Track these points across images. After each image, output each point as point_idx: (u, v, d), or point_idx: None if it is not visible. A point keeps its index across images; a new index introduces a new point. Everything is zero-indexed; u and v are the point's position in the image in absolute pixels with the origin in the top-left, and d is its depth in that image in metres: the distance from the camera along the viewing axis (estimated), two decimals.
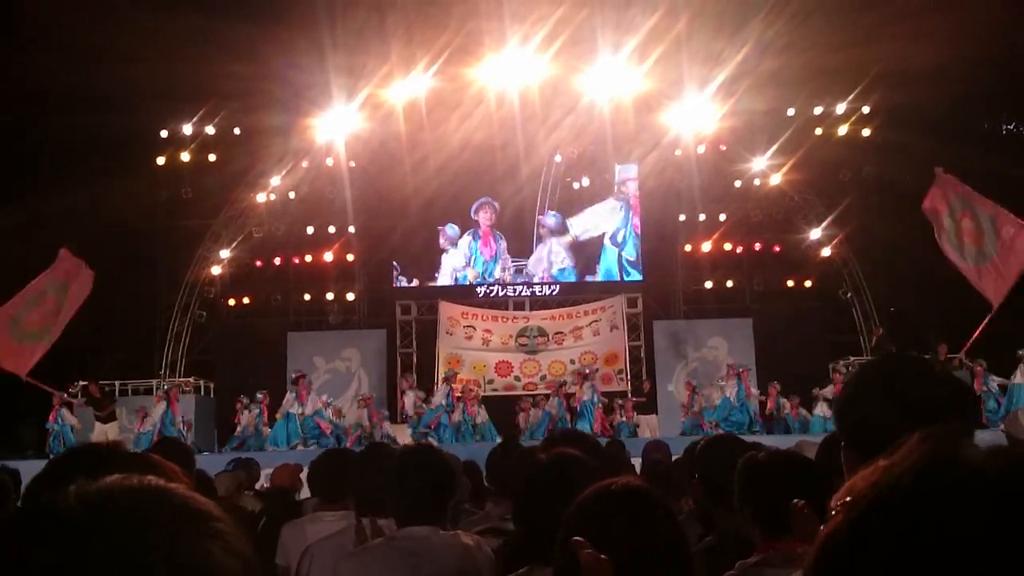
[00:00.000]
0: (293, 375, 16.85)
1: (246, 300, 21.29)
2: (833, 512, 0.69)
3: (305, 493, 5.10)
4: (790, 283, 21.26)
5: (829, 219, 20.58)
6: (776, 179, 20.60)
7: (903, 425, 1.46)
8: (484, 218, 20.61)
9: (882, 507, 0.65)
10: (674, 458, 5.65)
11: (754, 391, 17.00)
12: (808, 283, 21.28)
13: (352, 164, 20.59)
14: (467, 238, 20.65)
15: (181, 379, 19.47)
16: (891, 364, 1.66)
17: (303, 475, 5.26)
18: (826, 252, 20.80)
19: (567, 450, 2.40)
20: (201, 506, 0.74)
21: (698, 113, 19.99)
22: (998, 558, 0.59)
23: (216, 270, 20.93)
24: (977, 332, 14.47)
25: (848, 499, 0.68)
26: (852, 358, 18.99)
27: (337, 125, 19.99)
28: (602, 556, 1.51)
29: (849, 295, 21.05)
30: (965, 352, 15.26)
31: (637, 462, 5.87)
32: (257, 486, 6.85)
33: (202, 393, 19.11)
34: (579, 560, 1.51)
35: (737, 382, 16.81)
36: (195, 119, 20.37)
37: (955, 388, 1.58)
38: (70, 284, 15.21)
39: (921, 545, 0.61)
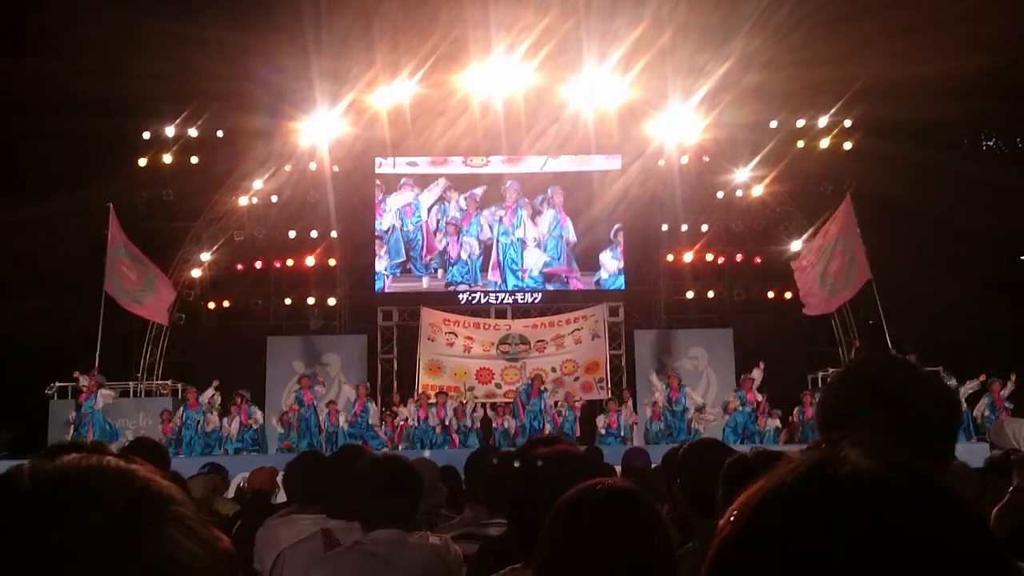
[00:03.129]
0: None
1: (226, 303, 21.15)
2: (726, 522, 0.69)
3: (282, 496, 5.05)
4: (770, 294, 21.34)
5: (810, 231, 20.67)
6: (758, 191, 20.70)
7: (893, 428, 1.42)
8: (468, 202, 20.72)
9: (764, 515, 0.65)
10: (653, 466, 5.64)
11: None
12: (788, 294, 21.32)
13: (336, 169, 20.51)
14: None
15: (159, 382, 19.31)
16: (878, 367, 1.56)
17: (279, 478, 5.21)
18: None
19: (567, 447, 2.33)
20: (163, 489, 0.70)
21: (681, 124, 20.07)
22: (868, 562, 0.60)
23: (196, 273, 20.76)
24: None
25: (738, 510, 0.68)
26: (831, 369, 19.07)
27: (321, 129, 19.91)
28: None
29: None
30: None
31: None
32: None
33: (179, 396, 18.92)
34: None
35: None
36: (178, 121, 20.23)
37: (945, 392, 1.52)
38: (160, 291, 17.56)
39: (798, 552, 0.61)
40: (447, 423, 16.62)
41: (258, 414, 16.70)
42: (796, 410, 16.71)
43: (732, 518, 0.67)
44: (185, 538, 0.67)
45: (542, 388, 17.26)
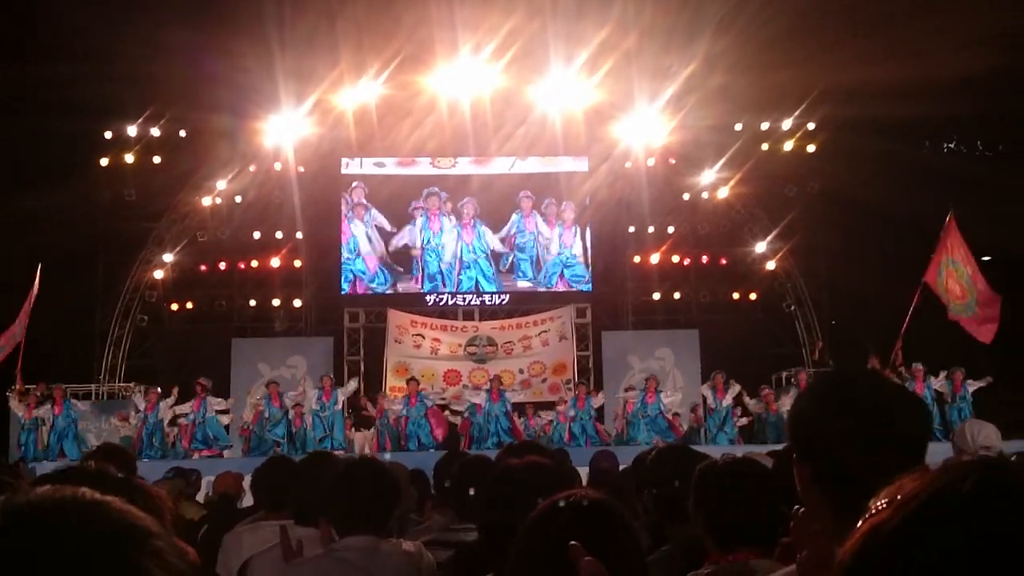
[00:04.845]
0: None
1: (189, 305, 20.89)
2: (877, 509, 0.71)
3: (248, 500, 5.00)
4: (736, 295, 21.49)
5: (774, 233, 20.89)
6: (723, 193, 20.85)
7: (860, 438, 1.45)
8: (433, 203, 20.52)
9: (943, 506, 0.67)
10: (621, 467, 5.65)
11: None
12: (753, 296, 21.55)
13: (301, 169, 20.34)
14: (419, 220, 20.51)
15: (121, 384, 19.03)
16: (845, 376, 1.61)
17: (246, 482, 5.15)
18: (771, 265, 21.08)
19: (538, 459, 2.35)
20: (139, 522, 0.68)
21: (648, 126, 20.17)
22: None
23: (159, 274, 20.50)
24: None
25: (898, 496, 0.70)
26: (793, 369, 19.34)
27: (286, 129, 19.74)
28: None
29: (793, 308, 21.37)
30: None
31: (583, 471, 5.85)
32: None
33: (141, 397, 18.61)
34: (577, 566, 1.47)
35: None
36: (140, 120, 19.94)
37: (911, 400, 1.55)
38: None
39: (982, 545, 0.63)
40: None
41: (219, 404, 16.31)
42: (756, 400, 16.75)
43: (894, 509, 0.69)
44: (163, 572, 0.65)
45: (501, 388, 17.14)
